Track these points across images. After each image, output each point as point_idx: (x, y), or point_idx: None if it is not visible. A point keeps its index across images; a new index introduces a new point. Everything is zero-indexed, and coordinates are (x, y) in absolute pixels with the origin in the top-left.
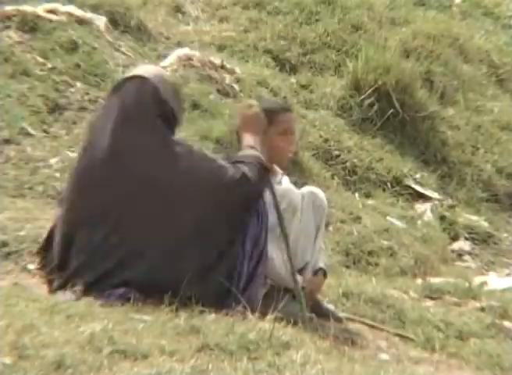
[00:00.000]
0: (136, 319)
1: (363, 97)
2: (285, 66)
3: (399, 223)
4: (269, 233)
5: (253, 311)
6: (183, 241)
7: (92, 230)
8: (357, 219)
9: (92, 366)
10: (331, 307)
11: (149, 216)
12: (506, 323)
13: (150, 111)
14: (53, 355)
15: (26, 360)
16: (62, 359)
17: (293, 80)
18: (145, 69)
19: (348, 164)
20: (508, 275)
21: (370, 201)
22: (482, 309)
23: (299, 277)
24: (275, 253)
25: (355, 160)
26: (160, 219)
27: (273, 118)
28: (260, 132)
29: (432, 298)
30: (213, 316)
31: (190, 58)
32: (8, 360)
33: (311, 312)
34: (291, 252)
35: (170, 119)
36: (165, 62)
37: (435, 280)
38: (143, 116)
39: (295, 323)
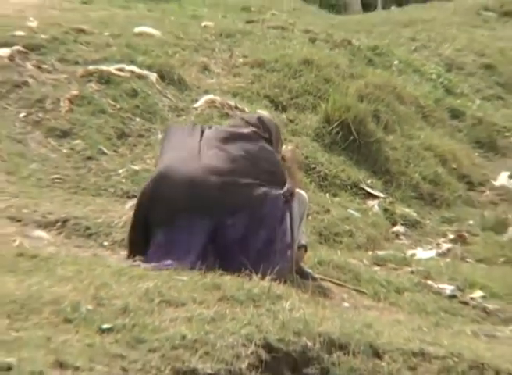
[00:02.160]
0: (176, 279)
1: (331, 127)
2: (278, 106)
3: (356, 214)
4: None
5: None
6: None
7: None
8: (327, 211)
9: (147, 311)
10: (309, 271)
11: None
12: (429, 282)
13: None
14: (120, 304)
15: (102, 307)
16: (126, 306)
17: (284, 116)
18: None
19: (321, 173)
20: (430, 249)
21: (336, 199)
22: (412, 272)
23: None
24: None
25: (326, 171)
26: None
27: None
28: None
29: (378, 265)
30: (229, 277)
31: (213, 102)
32: (90, 306)
33: (296, 274)
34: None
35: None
36: (197, 104)
37: (380, 253)
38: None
39: (285, 282)
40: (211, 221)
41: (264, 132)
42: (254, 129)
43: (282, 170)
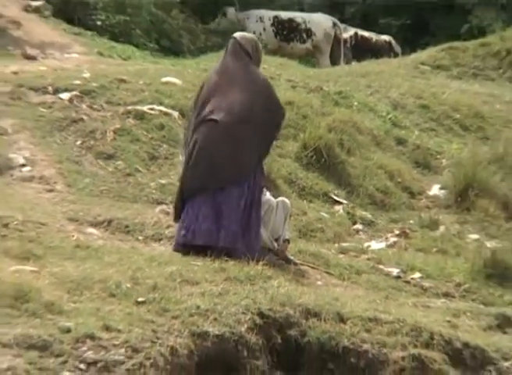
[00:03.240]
0: (193, 264)
1: (308, 152)
2: None
3: (326, 215)
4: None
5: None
6: None
7: None
8: (305, 213)
9: (171, 288)
10: (292, 258)
11: None
12: (380, 266)
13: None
14: (151, 283)
15: (138, 285)
16: (155, 285)
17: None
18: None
19: (300, 186)
20: (381, 242)
21: (311, 205)
22: (368, 259)
23: (275, 243)
24: (263, 231)
25: (304, 184)
26: None
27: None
28: None
29: (342, 253)
30: (232, 262)
31: None
32: (129, 285)
33: (282, 260)
34: (273, 230)
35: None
36: None
37: (344, 244)
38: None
39: (274, 266)
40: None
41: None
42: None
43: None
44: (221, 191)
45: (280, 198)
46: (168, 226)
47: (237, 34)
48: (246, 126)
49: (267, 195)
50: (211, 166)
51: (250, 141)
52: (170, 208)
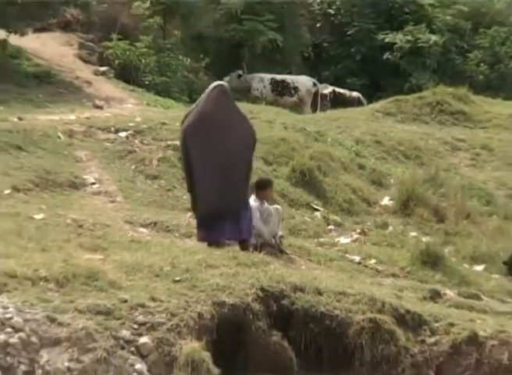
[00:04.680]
0: (214, 253)
1: (295, 174)
2: (268, 162)
3: (308, 219)
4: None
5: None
6: None
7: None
8: (293, 217)
9: (199, 271)
10: (284, 249)
11: None
12: (347, 255)
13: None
14: (184, 267)
15: (175, 268)
16: (187, 268)
17: (271, 167)
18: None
19: (290, 198)
20: (347, 238)
21: (298, 211)
22: (338, 250)
23: (273, 239)
24: (265, 230)
25: (293, 197)
26: None
27: (268, 184)
28: None
29: (320, 246)
30: (242, 252)
31: None
32: (168, 268)
33: (277, 251)
34: (271, 229)
35: None
36: None
37: (321, 240)
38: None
39: (271, 255)
40: None
41: None
42: None
43: None
44: None
45: (275, 206)
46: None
47: (222, 82)
48: None
49: (265, 204)
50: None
51: None
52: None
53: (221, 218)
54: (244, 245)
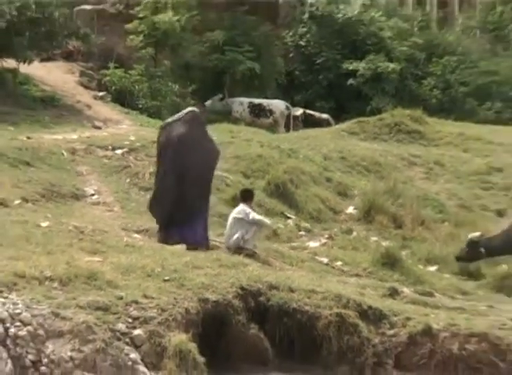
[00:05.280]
0: (200, 256)
1: (270, 187)
2: (246, 176)
3: (282, 226)
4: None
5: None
6: None
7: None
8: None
9: (185, 271)
10: (260, 253)
11: None
12: (316, 257)
13: None
14: (173, 268)
15: (164, 269)
16: (176, 269)
17: (249, 181)
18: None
19: (266, 207)
20: (316, 242)
21: (273, 219)
22: (309, 253)
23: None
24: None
25: (268, 206)
26: None
27: (253, 194)
28: None
29: (292, 249)
30: (224, 255)
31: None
32: (159, 269)
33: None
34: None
35: None
36: None
37: (293, 244)
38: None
39: (250, 257)
40: None
41: None
42: None
43: None
44: None
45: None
46: None
47: (194, 108)
48: None
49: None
50: None
51: None
52: None
53: (181, 223)
54: (199, 247)
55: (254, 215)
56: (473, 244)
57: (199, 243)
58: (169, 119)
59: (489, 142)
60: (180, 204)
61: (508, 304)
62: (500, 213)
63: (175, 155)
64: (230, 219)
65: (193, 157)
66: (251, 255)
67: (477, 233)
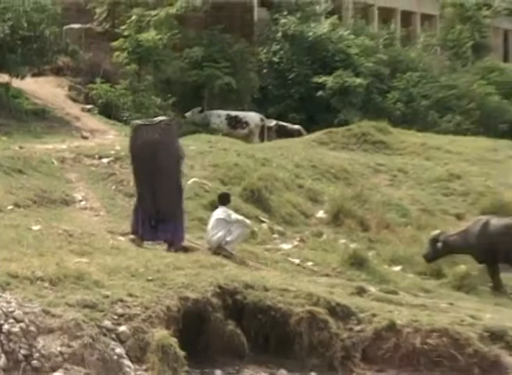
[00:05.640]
0: (181, 257)
1: (246, 192)
2: (224, 183)
3: (257, 229)
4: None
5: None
6: None
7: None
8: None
9: (167, 271)
10: (238, 255)
11: None
12: (289, 258)
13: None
14: (156, 268)
15: (148, 269)
16: (158, 269)
17: (226, 187)
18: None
19: (242, 212)
20: (289, 244)
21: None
22: (282, 254)
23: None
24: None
25: (244, 211)
26: None
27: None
28: None
29: (266, 251)
30: (203, 256)
31: (196, 182)
32: (143, 269)
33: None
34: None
35: None
36: (188, 182)
37: (268, 246)
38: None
39: (227, 258)
40: None
41: None
42: None
43: None
44: None
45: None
46: None
47: (165, 117)
48: None
49: (233, 215)
50: None
51: None
52: None
53: (155, 221)
54: (171, 246)
55: (235, 215)
56: (433, 241)
57: (173, 242)
58: (140, 122)
59: (449, 151)
60: (154, 205)
61: (467, 301)
62: (459, 217)
63: (146, 159)
64: (212, 221)
65: (163, 161)
66: (229, 256)
67: (437, 231)
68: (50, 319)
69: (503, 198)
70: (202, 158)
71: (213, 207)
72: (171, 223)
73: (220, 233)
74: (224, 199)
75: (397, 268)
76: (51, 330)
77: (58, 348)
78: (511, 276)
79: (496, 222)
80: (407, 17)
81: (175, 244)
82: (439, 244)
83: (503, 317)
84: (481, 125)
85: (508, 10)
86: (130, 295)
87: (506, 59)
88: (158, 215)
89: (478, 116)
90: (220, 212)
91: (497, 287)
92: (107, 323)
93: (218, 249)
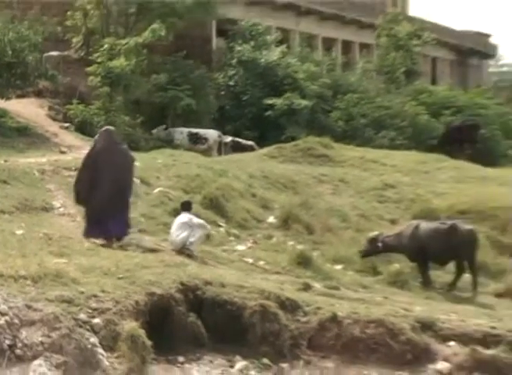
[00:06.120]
0: (148, 257)
1: (205, 200)
2: (186, 191)
3: (215, 233)
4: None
5: None
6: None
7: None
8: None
9: (136, 270)
10: (198, 255)
11: None
12: (243, 258)
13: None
14: (126, 267)
15: (119, 268)
16: (128, 269)
17: (188, 196)
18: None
19: (202, 217)
20: (243, 246)
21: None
22: (238, 255)
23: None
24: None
25: (203, 217)
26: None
27: (191, 205)
28: None
29: (224, 251)
30: (168, 256)
31: (161, 191)
32: (114, 268)
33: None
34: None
35: None
36: (154, 191)
37: (224, 247)
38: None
39: (190, 258)
40: None
41: None
42: None
43: None
44: None
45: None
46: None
47: (110, 127)
48: None
49: (194, 219)
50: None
51: None
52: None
53: (107, 218)
54: (119, 240)
55: (196, 219)
56: (372, 241)
57: (121, 235)
58: (96, 137)
59: (384, 164)
60: (104, 203)
61: (400, 295)
62: (393, 222)
63: (97, 163)
64: (176, 224)
65: (110, 165)
66: (192, 255)
67: (376, 232)
68: (32, 312)
69: (432, 204)
70: (167, 170)
71: (176, 213)
72: (121, 219)
73: (183, 234)
74: (186, 206)
75: (339, 266)
76: (32, 323)
77: (39, 339)
78: (439, 274)
79: (425, 225)
80: (347, 46)
81: (122, 238)
82: (379, 244)
83: (431, 309)
84: (412, 140)
85: (435, 40)
86: (103, 291)
87: (433, 83)
88: (109, 212)
89: (410, 133)
90: (183, 217)
91: (427, 283)
92: (82, 316)
93: (182, 249)
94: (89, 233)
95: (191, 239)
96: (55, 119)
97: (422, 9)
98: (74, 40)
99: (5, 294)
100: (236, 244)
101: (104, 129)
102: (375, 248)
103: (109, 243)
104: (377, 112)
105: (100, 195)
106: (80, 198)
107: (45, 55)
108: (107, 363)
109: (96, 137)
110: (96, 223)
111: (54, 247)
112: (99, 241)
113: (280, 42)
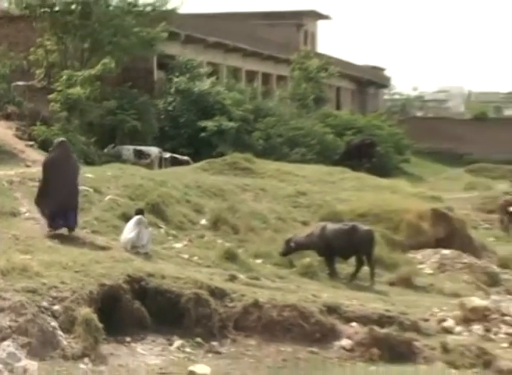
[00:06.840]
0: (100, 254)
1: (149, 207)
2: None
3: (156, 233)
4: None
5: None
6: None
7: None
8: None
9: (89, 265)
10: (150, 254)
11: None
12: (180, 254)
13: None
14: (81, 262)
15: (75, 263)
16: (83, 264)
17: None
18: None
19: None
20: (180, 244)
21: (150, 229)
22: (176, 252)
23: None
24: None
25: (148, 221)
26: None
27: (143, 211)
28: None
29: (164, 249)
30: (117, 253)
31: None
32: (71, 263)
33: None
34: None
35: None
36: (106, 198)
37: (164, 245)
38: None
39: (136, 254)
40: None
41: None
42: None
43: None
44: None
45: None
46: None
47: (63, 138)
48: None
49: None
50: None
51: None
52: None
53: (64, 212)
54: (72, 230)
55: (144, 219)
56: (287, 242)
57: (73, 226)
58: (55, 141)
59: (297, 175)
60: (60, 201)
61: (310, 284)
62: (305, 223)
63: (51, 169)
64: (128, 227)
65: (62, 170)
66: (147, 254)
67: (290, 235)
68: (1, 301)
69: (336, 209)
70: (116, 180)
71: (124, 217)
72: (73, 213)
73: (132, 234)
74: (139, 212)
75: (259, 261)
76: (2, 310)
77: (8, 323)
78: (343, 266)
79: (331, 226)
80: (266, 77)
81: (74, 229)
82: (292, 244)
83: (337, 296)
84: (320, 156)
85: (339, 73)
86: (62, 283)
87: (338, 108)
88: (65, 206)
89: (318, 149)
90: (135, 220)
91: (333, 274)
92: (45, 303)
93: (133, 248)
94: (52, 225)
95: (143, 242)
96: (21, 139)
97: (328, 47)
98: (37, 72)
99: None
100: (174, 242)
101: (60, 140)
102: (290, 248)
103: (70, 231)
104: (291, 133)
105: (57, 194)
106: (39, 198)
107: (13, 84)
108: (65, 343)
109: (52, 146)
110: (57, 216)
111: (20, 246)
112: (60, 232)
113: (211, 74)
